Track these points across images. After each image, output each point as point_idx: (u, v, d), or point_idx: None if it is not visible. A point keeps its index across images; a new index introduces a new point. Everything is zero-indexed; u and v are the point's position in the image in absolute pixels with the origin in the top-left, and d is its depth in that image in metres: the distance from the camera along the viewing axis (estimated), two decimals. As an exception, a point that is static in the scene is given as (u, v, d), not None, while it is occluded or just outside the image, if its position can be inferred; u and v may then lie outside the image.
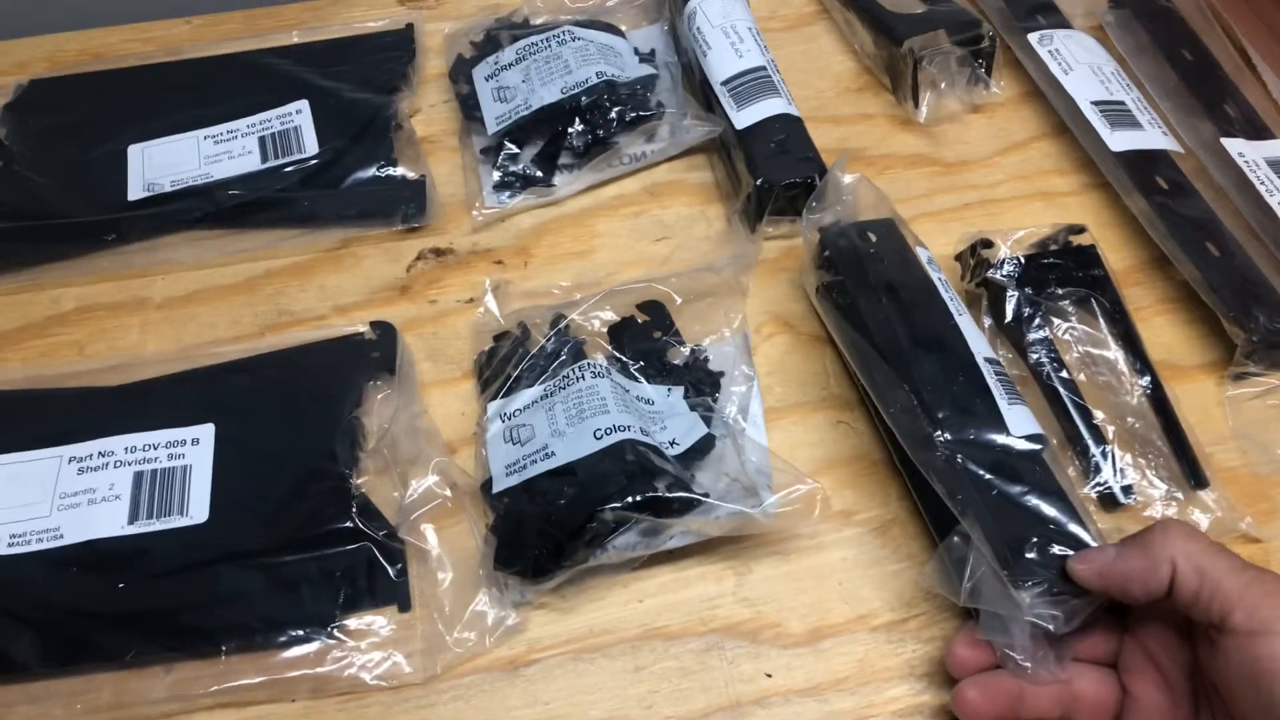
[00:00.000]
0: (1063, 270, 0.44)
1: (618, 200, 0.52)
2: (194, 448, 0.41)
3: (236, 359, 0.44)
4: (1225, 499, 0.40)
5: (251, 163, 0.51)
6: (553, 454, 0.38)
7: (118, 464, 0.40)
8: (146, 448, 0.41)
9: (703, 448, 0.40)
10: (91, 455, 0.41)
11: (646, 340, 0.44)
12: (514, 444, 0.40)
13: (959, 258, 0.47)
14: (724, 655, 0.37)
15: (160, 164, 0.51)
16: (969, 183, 0.52)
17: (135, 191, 0.50)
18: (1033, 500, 0.35)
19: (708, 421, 0.41)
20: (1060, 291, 0.44)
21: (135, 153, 0.51)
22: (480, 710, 0.36)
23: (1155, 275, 0.48)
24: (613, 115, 0.51)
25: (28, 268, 0.49)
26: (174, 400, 0.43)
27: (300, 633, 0.37)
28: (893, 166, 0.53)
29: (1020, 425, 0.37)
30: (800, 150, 0.48)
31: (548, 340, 0.43)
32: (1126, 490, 0.40)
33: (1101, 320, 0.44)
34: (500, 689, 0.36)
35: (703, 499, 0.37)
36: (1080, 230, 0.46)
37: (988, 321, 0.44)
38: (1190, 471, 0.40)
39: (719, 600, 0.38)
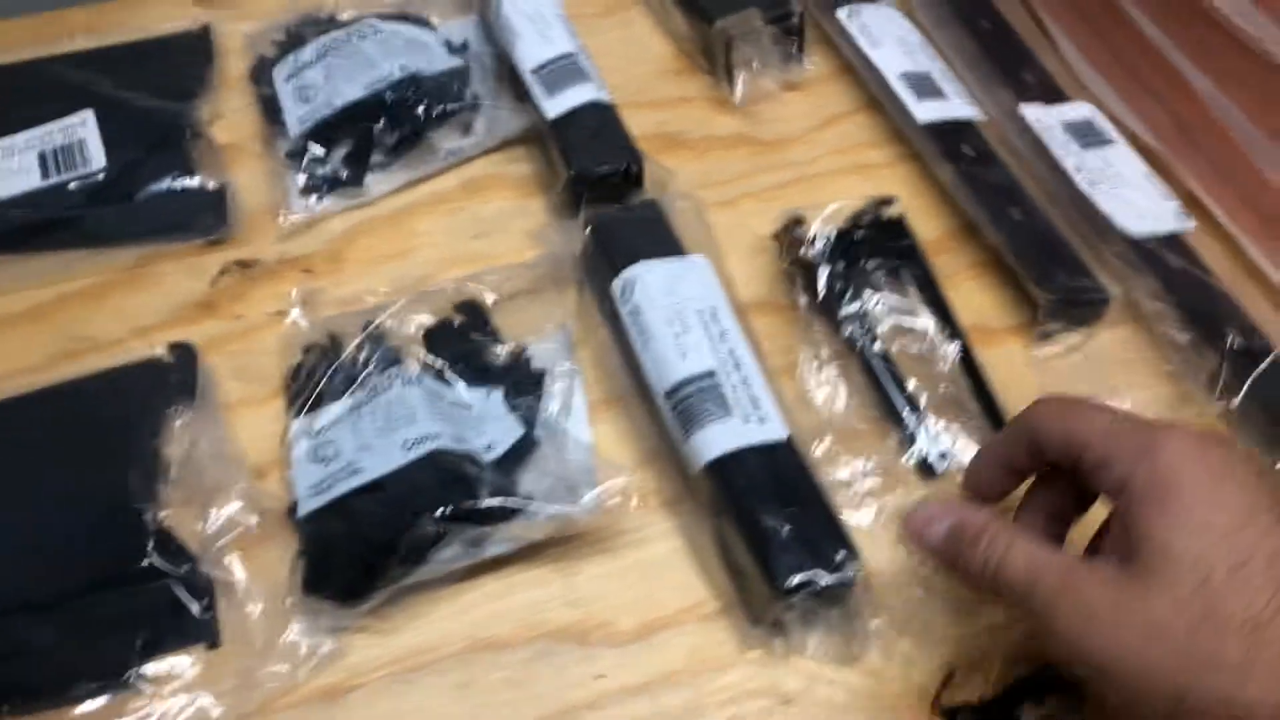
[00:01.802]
0: (873, 243, 0.45)
1: (435, 197, 0.50)
2: (-29, 494, 0.38)
3: (19, 394, 0.41)
4: (1035, 456, 0.41)
5: (31, 180, 0.47)
6: (360, 469, 0.37)
7: (-118, 520, 0.37)
8: (-84, 499, 0.38)
9: (522, 450, 0.39)
10: None
11: (464, 342, 0.43)
12: (320, 463, 0.38)
13: (776, 237, 0.47)
14: (553, 661, 0.36)
15: (-71, 186, 0.47)
16: (788, 160, 0.53)
17: (-101, 216, 0.46)
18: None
19: (529, 421, 0.40)
20: (871, 264, 0.45)
21: (-101, 175, 0.47)
22: (297, 746, 0.34)
23: (964, 242, 0.49)
24: (420, 110, 0.49)
25: None
26: (-51, 444, 0.39)
27: (94, 685, 0.34)
28: (713, 149, 0.53)
29: (705, 452, 0.37)
30: (614, 138, 0.48)
31: (358, 349, 0.42)
32: (942, 456, 0.41)
33: (912, 290, 0.45)
34: (319, 720, 0.35)
35: (516, 505, 0.36)
36: (890, 202, 0.46)
37: (803, 300, 0.44)
38: (999, 430, 0.41)
39: (547, 604, 0.37)
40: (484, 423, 0.40)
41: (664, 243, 0.44)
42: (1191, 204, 0.48)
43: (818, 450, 0.41)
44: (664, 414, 0.39)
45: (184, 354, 0.43)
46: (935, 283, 0.45)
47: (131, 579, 0.36)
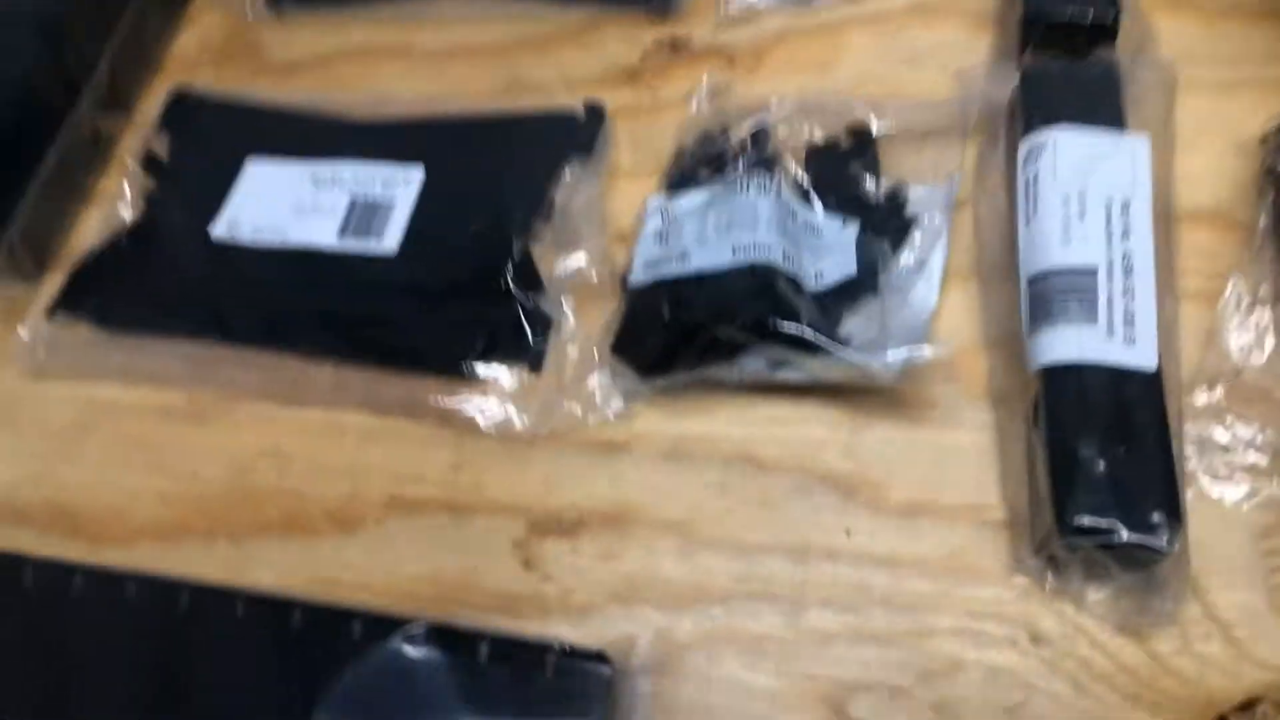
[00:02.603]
0: (1393, 175, 0.34)
1: (879, 14, 0.47)
2: (403, 186, 0.45)
3: (462, 114, 0.47)
4: None
5: (526, -72, 0.52)
6: (688, 257, 0.37)
7: (343, 187, 0.46)
8: (369, 178, 0.46)
9: (854, 290, 0.37)
10: (327, 175, 0.46)
11: (842, 166, 0.41)
12: (661, 242, 0.39)
13: (1263, 140, 0.38)
14: (810, 500, 0.36)
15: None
16: (1329, 51, 0.41)
17: (426, -54, 0.53)
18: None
19: (876, 266, 0.38)
20: (1377, 201, 0.34)
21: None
22: (567, 478, 0.37)
23: None
24: (892, -86, 0.45)
25: (330, 5, 0.54)
26: (402, 140, 0.47)
27: (441, 365, 0.40)
28: (1234, 17, 0.43)
29: (1048, 352, 0.32)
30: (1093, -22, 0.40)
31: (739, 147, 0.41)
32: (1368, 459, 0.32)
33: None
34: (590, 465, 0.38)
35: (813, 339, 0.34)
36: None
37: (1263, 221, 0.36)
38: None
39: (826, 445, 0.36)
40: (825, 251, 0.38)
41: (1103, 112, 0.37)
42: None
43: (1201, 399, 0.34)
44: (1022, 299, 0.35)
45: (594, 114, 0.45)
46: None
47: (490, 292, 0.41)
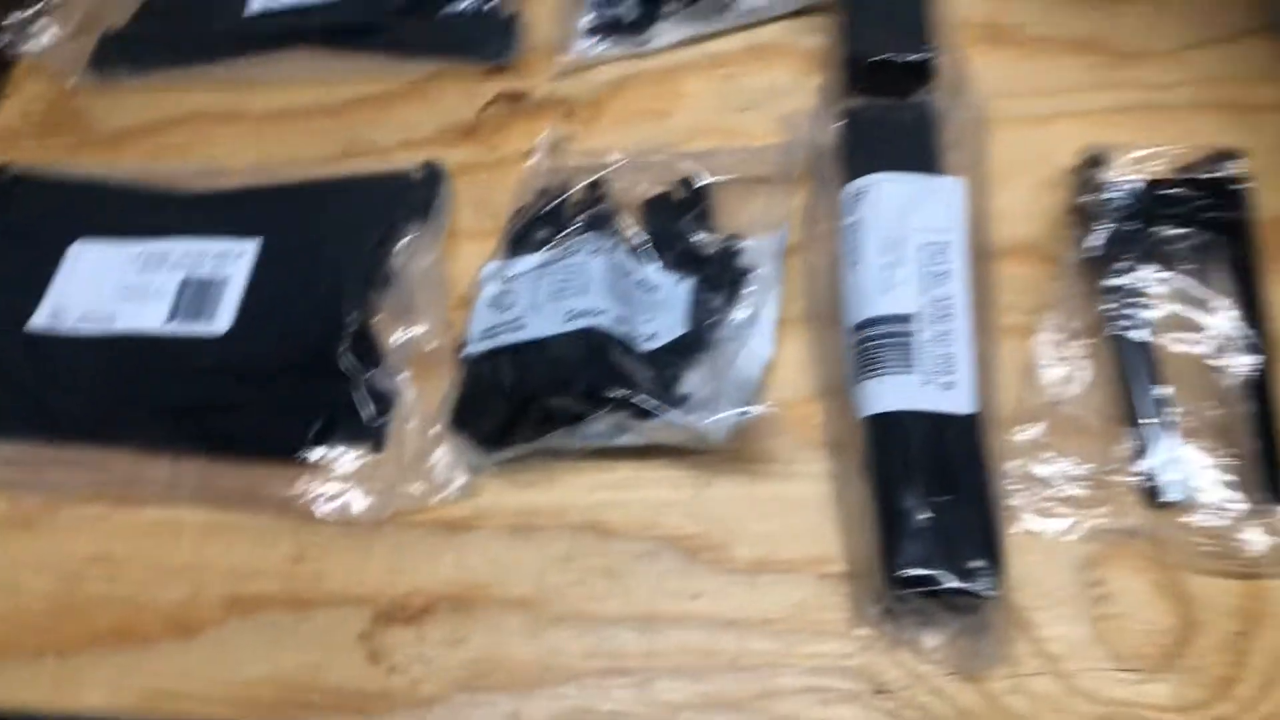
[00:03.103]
0: (1189, 206, 0.36)
1: (712, 59, 0.47)
2: (236, 261, 0.43)
3: (294, 181, 0.46)
4: (1312, 524, 0.32)
5: (353, -13, 0.51)
6: (523, 327, 0.37)
7: (173, 266, 0.44)
8: (200, 255, 0.44)
9: (688, 348, 0.37)
10: (156, 254, 0.44)
11: (675, 221, 0.41)
12: (496, 309, 0.38)
13: (1074, 172, 0.39)
14: (656, 565, 0.35)
15: (279, -20, 0.52)
16: (1139, 80, 0.43)
17: (254, 6, 0.52)
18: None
19: (709, 320, 0.38)
20: (1174, 232, 0.36)
21: (262, -33, 0.53)
22: (411, 562, 0.37)
23: (1333, 232, 0.37)
24: (719, -40, 0.46)
25: (160, 69, 0.52)
26: (235, 213, 0.45)
27: (276, 452, 0.39)
28: (1048, 50, 0.45)
29: (870, 403, 0.33)
30: (909, 21, 0.41)
31: (575, 206, 0.41)
32: (1177, 485, 0.33)
33: (1217, 277, 0.35)
34: (434, 546, 0.37)
35: (643, 404, 0.34)
36: (1234, 156, 0.36)
37: (1071, 256, 0.37)
38: (1272, 480, 0.32)
39: (669, 508, 0.36)
40: (660, 309, 0.38)
41: (920, 155, 0.38)
42: None
43: (1022, 435, 0.35)
44: (846, 349, 0.35)
45: (431, 175, 0.45)
46: (1257, 274, 0.35)
47: (326, 369, 0.40)
